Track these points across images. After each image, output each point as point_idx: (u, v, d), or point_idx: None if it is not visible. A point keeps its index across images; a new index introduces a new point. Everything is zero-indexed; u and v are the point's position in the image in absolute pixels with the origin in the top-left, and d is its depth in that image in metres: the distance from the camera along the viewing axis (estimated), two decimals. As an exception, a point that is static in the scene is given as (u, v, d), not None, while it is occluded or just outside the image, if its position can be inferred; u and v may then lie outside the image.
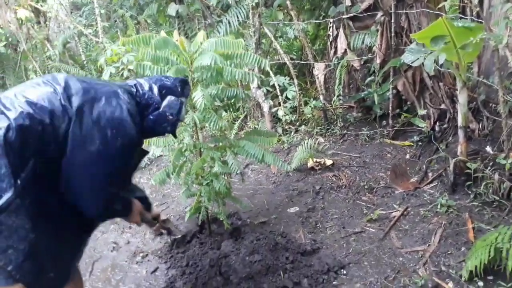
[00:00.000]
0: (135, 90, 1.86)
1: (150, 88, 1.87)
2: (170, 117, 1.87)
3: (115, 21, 7.17)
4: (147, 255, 2.98)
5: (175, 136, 2.14)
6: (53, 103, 1.52)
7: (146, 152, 1.98)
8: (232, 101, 4.94)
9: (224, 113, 4.81)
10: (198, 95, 2.21)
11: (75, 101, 1.56)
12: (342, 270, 2.57)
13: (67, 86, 1.60)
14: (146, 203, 2.19)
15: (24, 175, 1.43)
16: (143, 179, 4.34)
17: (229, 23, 4.99)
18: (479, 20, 3.30)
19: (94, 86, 1.67)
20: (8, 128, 1.40)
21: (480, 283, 2.24)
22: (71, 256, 1.75)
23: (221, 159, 2.62)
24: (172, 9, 5.21)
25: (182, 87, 1.97)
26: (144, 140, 2.10)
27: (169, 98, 1.87)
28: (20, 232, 1.44)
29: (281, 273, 2.48)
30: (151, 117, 1.84)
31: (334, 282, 2.46)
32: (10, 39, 6.45)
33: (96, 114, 1.58)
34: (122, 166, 1.71)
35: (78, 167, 1.56)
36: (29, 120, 1.45)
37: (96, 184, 1.61)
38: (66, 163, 1.54)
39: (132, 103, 1.74)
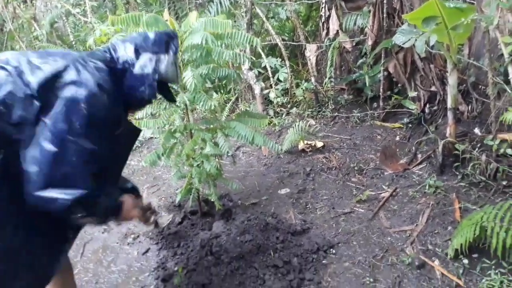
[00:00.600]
0: (108, 55, 1.62)
1: (125, 49, 1.63)
2: (145, 79, 1.59)
3: (104, 0, 7.02)
4: (138, 236, 2.99)
5: (172, 100, 1.97)
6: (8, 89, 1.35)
7: (137, 132, 1.76)
8: (224, 82, 4.90)
9: (214, 95, 4.78)
10: (188, 75, 2.19)
11: (33, 80, 1.38)
12: (331, 250, 2.61)
13: (20, 65, 1.41)
14: (136, 193, 1.95)
15: None
16: (133, 161, 4.33)
17: (220, 3, 4.93)
18: (471, 1, 3.29)
19: (50, 59, 1.46)
20: None
21: (465, 261, 2.30)
22: (48, 263, 1.59)
23: (212, 140, 2.62)
24: (162, -12, 5.11)
25: (166, 42, 1.70)
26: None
27: (143, 57, 1.61)
28: None
29: (272, 253, 2.51)
30: (126, 82, 1.60)
31: (323, 261, 2.50)
32: (-5, 19, 6.31)
33: (58, 90, 1.39)
34: (94, 148, 1.41)
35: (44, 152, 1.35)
36: None
37: (67, 170, 1.37)
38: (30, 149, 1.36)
39: (99, 71, 1.48)
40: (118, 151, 1.66)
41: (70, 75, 1.41)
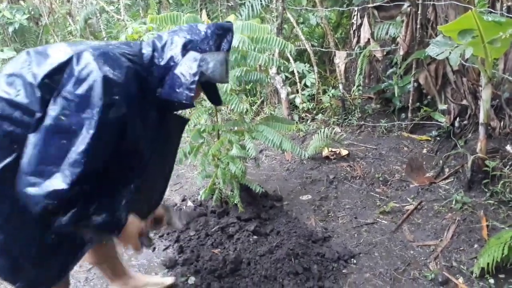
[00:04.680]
0: (150, 49, 1.48)
1: (172, 43, 1.47)
2: (184, 80, 1.43)
3: (137, -1, 7.16)
4: (159, 232, 3.02)
5: (218, 103, 1.82)
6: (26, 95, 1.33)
7: (183, 123, 1.65)
8: (250, 85, 4.93)
9: (244, 97, 4.82)
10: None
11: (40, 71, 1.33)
12: (352, 259, 2.58)
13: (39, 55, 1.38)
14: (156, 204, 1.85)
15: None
16: (158, 158, 4.38)
17: (251, 6, 4.95)
18: (510, 15, 3.22)
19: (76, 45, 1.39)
20: None
21: (491, 280, 2.24)
22: (58, 264, 1.56)
23: (239, 142, 2.64)
24: (195, -11, 5.18)
25: (219, 37, 1.50)
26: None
27: (188, 56, 1.45)
28: None
29: (292, 259, 2.51)
30: (168, 81, 1.46)
31: (343, 271, 2.48)
32: (32, 12, 6.50)
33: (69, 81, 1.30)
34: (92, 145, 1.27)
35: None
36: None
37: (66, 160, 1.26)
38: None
39: (118, 66, 1.34)
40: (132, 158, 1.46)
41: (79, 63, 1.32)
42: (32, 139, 1.28)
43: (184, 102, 1.46)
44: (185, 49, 1.46)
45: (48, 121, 1.27)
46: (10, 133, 1.32)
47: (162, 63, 1.46)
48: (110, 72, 1.30)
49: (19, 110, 1.32)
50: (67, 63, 1.33)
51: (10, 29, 6.07)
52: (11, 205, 1.35)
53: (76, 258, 1.65)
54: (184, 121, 1.75)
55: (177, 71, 1.44)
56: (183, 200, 3.37)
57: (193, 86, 1.43)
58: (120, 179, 1.44)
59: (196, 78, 1.44)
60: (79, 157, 1.25)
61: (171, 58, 1.46)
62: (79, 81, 1.28)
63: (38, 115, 1.30)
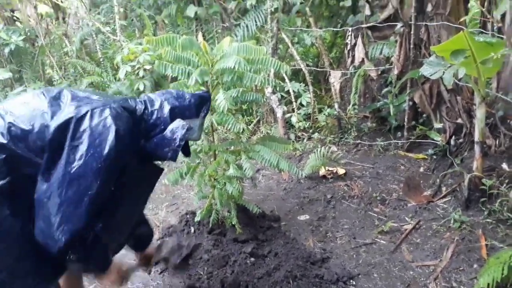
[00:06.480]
0: (142, 106, 1.71)
1: (161, 107, 1.72)
2: (172, 143, 1.65)
3: (132, 20, 7.23)
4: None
5: (187, 155, 2.05)
6: (33, 124, 1.48)
7: (159, 172, 1.84)
8: (246, 105, 4.95)
9: (240, 117, 4.83)
10: (220, 98, 2.22)
11: (59, 117, 1.49)
12: (351, 281, 2.55)
13: (56, 98, 1.56)
14: (145, 241, 2.10)
15: None
16: (154, 179, 4.35)
17: (247, 27, 5.01)
18: (500, 35, 3.27)
19: (85, 100, 1.57)
20: None
21: (493, 302, 2.21)
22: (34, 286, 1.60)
23: (236, 162, 2.62)
24: (191, 10, 5.24)
25: (199, 105, 1.80)
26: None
27: (176, 122, 1.67)
28: None
29: (290, 281, 2.47)
30: (155, 139, 1.68)
31: (343, 293, 2.44)
32: (28, 34, 6.53)
33: (77, 131, 1.47)
34: (99, 190, 1.45)
35: (49, 186, 1.44)
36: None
37: (67, 203, 1.42)
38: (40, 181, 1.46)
39: (126, 121, 1.56)
40: (122, 197, 1.65)
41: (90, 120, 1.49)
42: (46, 187, 1.43)
43: (167, 159, 1.68)
44: (173, 113, 1.70)
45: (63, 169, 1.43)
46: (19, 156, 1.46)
47: (151, 121, 1.69)
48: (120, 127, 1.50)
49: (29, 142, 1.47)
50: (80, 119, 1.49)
51: (6, 50, 6.09)
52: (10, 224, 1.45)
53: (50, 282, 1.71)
54: (160, 170, 1.88)
55: (166, 133, 1.65)
56: (186, 224, 3.32)
57: (179, 149, 1.65)
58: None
59: (183, 143, 1.65)
60: (93, 198, 1.43)
61: (159, 118, 1.69)
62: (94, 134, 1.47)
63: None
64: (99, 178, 1.43)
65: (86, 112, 1.48)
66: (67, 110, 1.50)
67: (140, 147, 1.67)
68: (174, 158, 1.67)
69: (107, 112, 1.50)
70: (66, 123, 1.46)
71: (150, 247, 2.13)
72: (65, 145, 1.44)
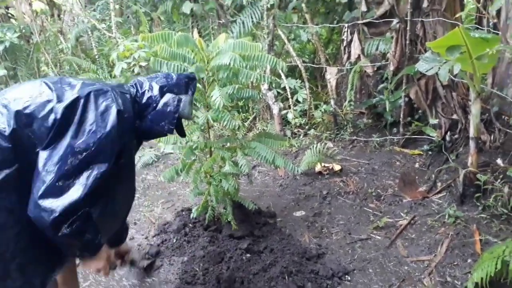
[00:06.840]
0: (134, 90, 1.83)
1: (150, 87, 1.83)
2: (167, 115, 1.79)
3: (128, 16, 7.20)
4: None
5: (182, 135, 2.11)
6: (39, 110, 1.50)
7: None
8: (242, 102, 4.94)
9: (236, 114, 4.82)
10: (215, 94, 2.22)
11: (66, 98, 1.53)
12: (346, 276, 2.56)
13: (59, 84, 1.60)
14: (121, 236, 2.13)
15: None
16: (150, 176, 4.35)
17: (243, 23, 4.99)
18: (496, 31, 3.28)
19: (87, 83, 1.63)
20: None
21: (486, 296, 2.22)
22: (42, 274, 1.60)
23: (231, 159, 2.63)
24: (187, 7, 5.22)
25: (187, 84, 1.93)
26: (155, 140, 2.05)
27: (167, 96, 1.81)
28: None
29: (286, 276, 2.48)
30: (149, 116, 1.79)
31: (338, 288, 2.46)
32: (23, 31, 6.50)
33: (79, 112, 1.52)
34: (101, 166, 1.50)
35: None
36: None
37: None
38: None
39: (126, 101, 1.66)
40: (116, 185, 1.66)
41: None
42: (47, 156, 1.45)
43: (165, 133, 1.82)
44: (162, 91, 1.82)
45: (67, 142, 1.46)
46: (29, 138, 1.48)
47: (143, 101, 1.80)
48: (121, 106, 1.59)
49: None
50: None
51: (1, 47, 6.05)
52: (7, 215, 1.45)
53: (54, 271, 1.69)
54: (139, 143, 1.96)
55: (159, 107, 1.79)
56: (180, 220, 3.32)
57: (175, 120, 1.81)
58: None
59: (177, 115, 1.81)
60: (96, 172, 1.47)
61: (150, 97, 1.81)
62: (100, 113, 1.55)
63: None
64: (102, 154, 1.49)
65: (90, 92, 1.55)
66: (73, 92, 1.55)
67: (136, 128, 1.75)
68: (171, 131, 1.81)
69: (109, 93, 1.59)
70: (73, 102, 1.51)
71: (124, 245, 2.21)
72: (71, 122, 1.49)
